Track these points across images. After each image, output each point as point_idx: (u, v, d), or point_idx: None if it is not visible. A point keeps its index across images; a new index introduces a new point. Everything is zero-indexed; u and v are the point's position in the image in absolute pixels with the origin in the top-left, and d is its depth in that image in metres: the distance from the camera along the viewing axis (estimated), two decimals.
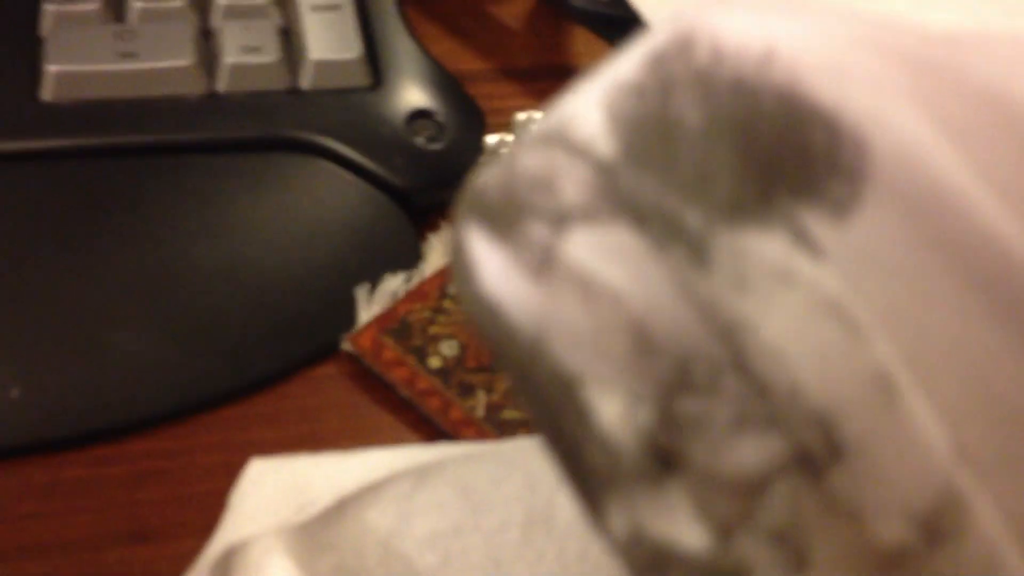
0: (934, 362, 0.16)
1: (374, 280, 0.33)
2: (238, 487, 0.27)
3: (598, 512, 0.16)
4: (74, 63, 0.34)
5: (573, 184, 0.17)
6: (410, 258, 0.34)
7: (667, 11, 0.35)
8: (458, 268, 0.17)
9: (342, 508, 0.26)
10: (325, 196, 0.34)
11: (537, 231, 0.17)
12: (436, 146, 0.36)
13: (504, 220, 0.17)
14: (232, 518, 0.26)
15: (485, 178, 0.18)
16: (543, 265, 0.16)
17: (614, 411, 0.16)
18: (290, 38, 0.37)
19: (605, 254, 0.16)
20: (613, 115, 0.17)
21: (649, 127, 0.17)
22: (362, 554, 0.25)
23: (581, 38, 0.41)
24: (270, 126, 0.35)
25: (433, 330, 0.32)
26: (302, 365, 0.32)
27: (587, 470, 0.16)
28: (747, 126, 0.16)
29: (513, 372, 0.17)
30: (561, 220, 0.17)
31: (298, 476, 0.27)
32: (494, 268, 0.17)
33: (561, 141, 0.17)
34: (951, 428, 0.16)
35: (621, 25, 0.38)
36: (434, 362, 0.32)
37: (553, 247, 0.16)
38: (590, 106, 0.17)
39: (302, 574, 0.25)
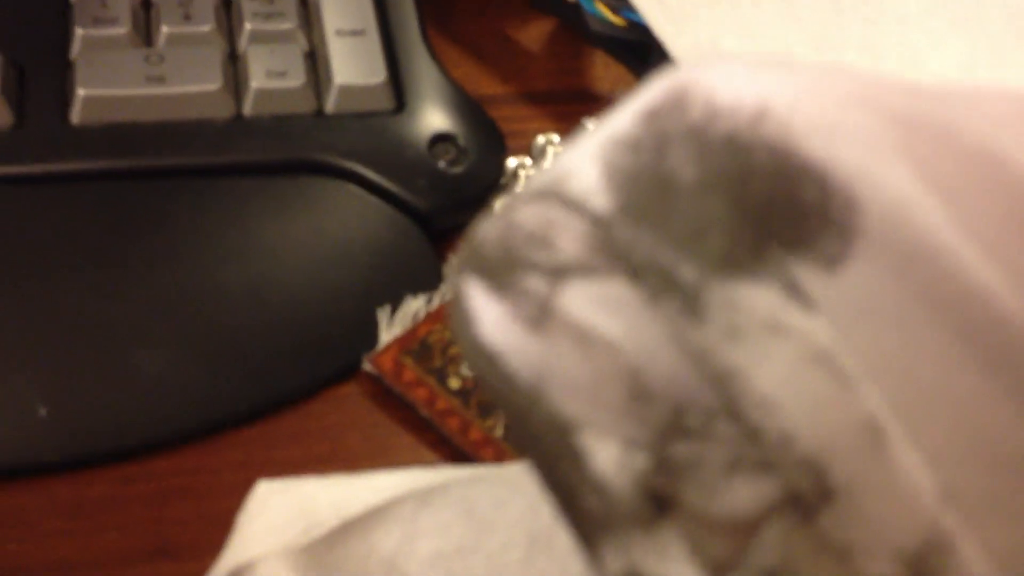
0: (921, 409, 0.16)
1: (395, 301, 0.33)
2: (245, 508, 0.27)
3: (594, 552, 0.17)
4: (103, 87, 0.35)
5: (569, 238, 0.17)
6: (431, 279, 0.34)
7: (688, 38, 0.36)
8: (458, 317, 0.18)
9: (347, 529, 0.27)
10: (348, 218, 0.35)
11: (534, 284, 0.17)
12: (457, 169, 0.36)
13: (502, 273, 0.17)
14: (238, 539, 0.27)
15: (483, 232, 0.18)
16: (541, 317, 0.17)
17: (610, 456, 0.17)
18: (316, 62, 0.37)
19: (601, 306, 0.17)
20: (609, 170, 0.17)
21: (644, 182, 0.17)
22: (367, 575, 0.26)
23: (600, 62, 0.41)
24: (295, 149, 0.36)
25: (453, 351, 0.33)
26: (324, 385, 0.32)
27: (583, 513, 0.17)
28: (740, 182, 0.17)
29: (512, 418, 0.17)
30: (558, 274, 0.17)
31: (304, 498, 0.27)
32: (493, 319, 0.17)
33: (558, 196, 0.18)
34: (938, 472, 0.16)
35: (639, 49, 0.38)
36: (454, 383, 0.32)
37: (550, 299, 0.17)
38: (586, 161, 0.18)
39: None
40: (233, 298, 0.33)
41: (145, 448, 0.31)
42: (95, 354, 0.31)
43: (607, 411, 0.17)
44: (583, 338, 0.17)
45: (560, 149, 0.38)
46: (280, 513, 0.27)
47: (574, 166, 0.18)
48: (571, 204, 0.17)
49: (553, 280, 0.17)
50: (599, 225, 0.17)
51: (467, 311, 0.18)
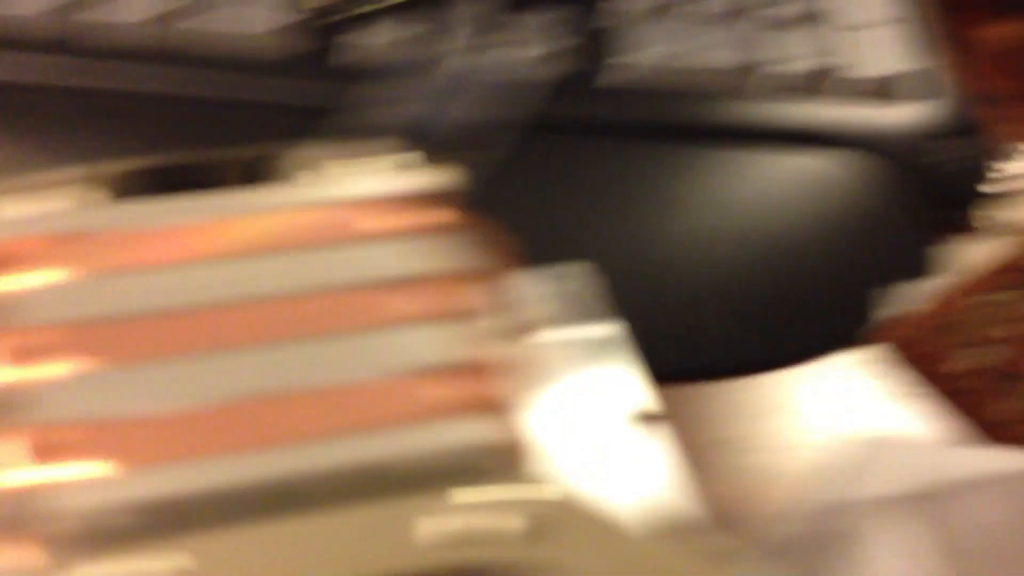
0: None
1: (900, 281, 0.35)
2: (843, 455, 0.30)
3: None
4: (628, 55, 0.38)
5: None
6: (929, 265, 0.35)
7: None
8: None
9: (948, 491, 0.28)
10: (864, 197, 0.36)
11: None
12: (952, 165, 0.37)
13: None
14: (829, 482, 0.29)
15: None
16: None
17: None
18: (829, 48, 0.39)
19: None
20: None
21: None
22: (952, 532, 0.27)
23: None
24: (797, 129, 0.37)
25: (962, 335, 0.33)
26: (837, 348, 0.34)
27: None
28: None
29: None
30: None
31: (908, 457, 0.29)
32: None
33: None
34: None
35: None
36: (966, 362, 0.33)
37: None
38: None
39: (909, 544, 0.27)
40: (758, 260, 0.35)
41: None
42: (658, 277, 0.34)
43: None
44: None
45: None
46: (889, 464, 0.29)
47: None
48: None
49: None
50: None
51: None
